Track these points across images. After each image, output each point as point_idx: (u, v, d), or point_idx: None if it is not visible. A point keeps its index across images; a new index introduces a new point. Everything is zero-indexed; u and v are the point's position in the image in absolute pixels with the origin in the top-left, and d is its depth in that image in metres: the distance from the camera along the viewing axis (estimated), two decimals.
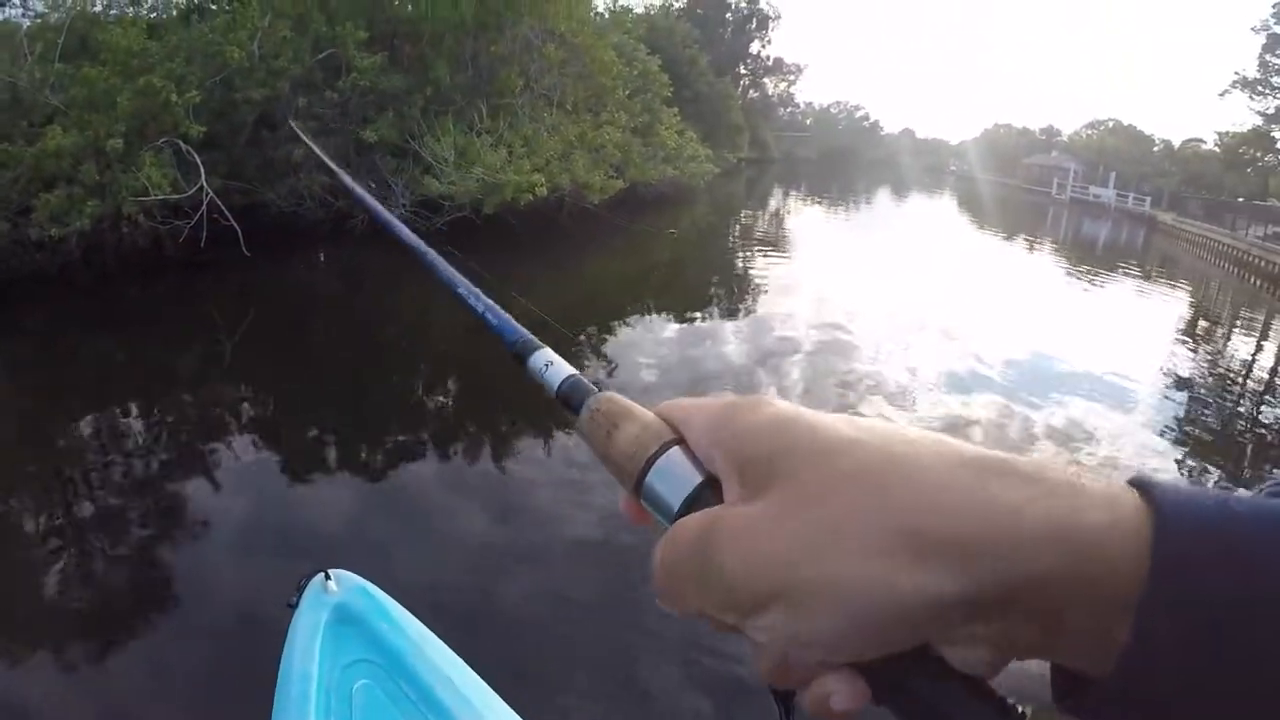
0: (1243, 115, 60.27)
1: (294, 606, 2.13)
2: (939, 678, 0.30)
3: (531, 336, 0.47)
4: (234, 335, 7.87)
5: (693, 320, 9.43)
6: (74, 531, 4.29)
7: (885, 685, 0.30)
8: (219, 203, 9.64)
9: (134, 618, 3.54)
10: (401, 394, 6.74)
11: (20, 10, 10.80)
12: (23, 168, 8.51)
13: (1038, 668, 0.31)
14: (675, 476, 0.35)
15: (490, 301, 0.52)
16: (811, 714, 0.31)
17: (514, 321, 0.50)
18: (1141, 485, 0.28)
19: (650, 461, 0.36)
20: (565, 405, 0.43)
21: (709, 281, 12.51)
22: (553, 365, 0.45)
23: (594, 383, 0.43)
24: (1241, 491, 0.29)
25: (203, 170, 9.64)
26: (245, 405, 6.33)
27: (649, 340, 8.41)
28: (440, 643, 2.08)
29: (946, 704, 0.29)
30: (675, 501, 0.35)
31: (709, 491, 0.34)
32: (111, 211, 8.90)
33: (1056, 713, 0.30)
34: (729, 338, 8.70)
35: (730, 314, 10.00)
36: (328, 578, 2.18)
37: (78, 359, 7.17)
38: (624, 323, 8.97)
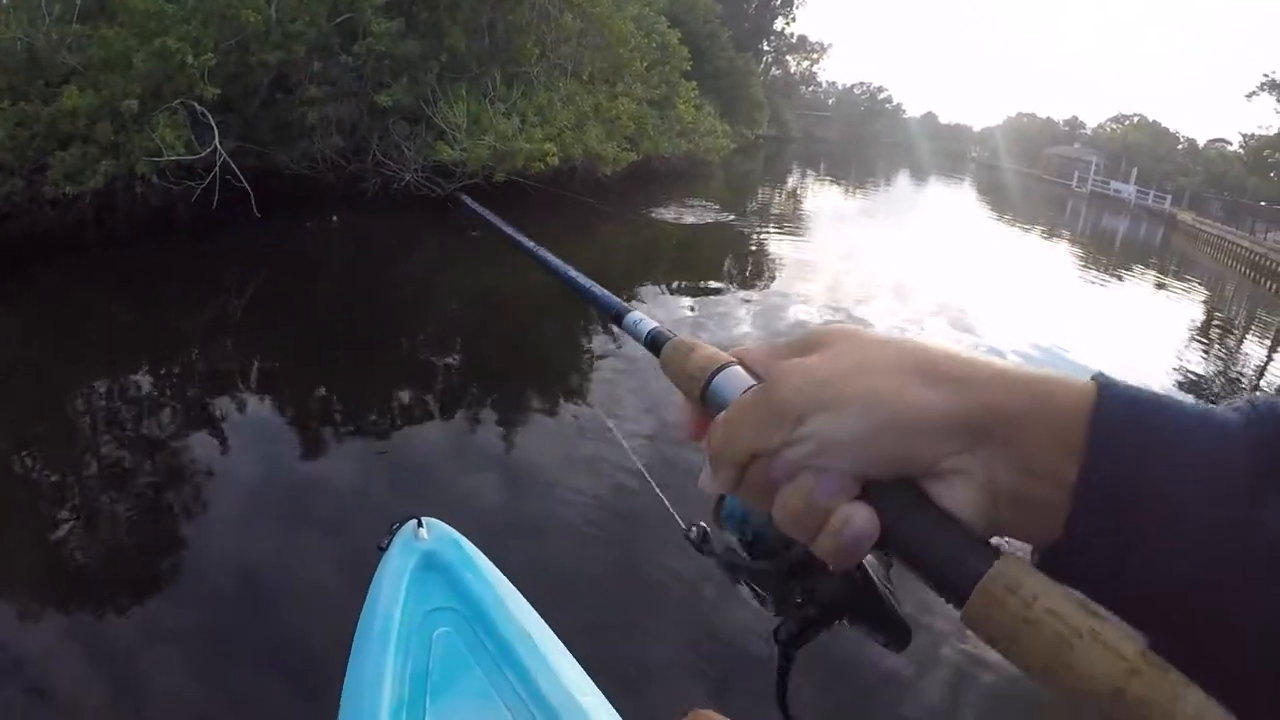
0: (1270, 118, 58.92)
1: (384, 550, 2.17)
2: (933, 511, 0.36)
3: (624, 303, 0.59)
4: (243, 295, 7.94)
5: (704, 296, 9.40)
6: (148, 481, 4.44)
7: (889, 519, 0.36)
8: (231, 164, 9.69)
9: (237, 554, 3.75)
10: (441, 350, 6.86)
11: None
12: (39, 126, 8.55)
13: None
14: (735, 380, 0.43)
15: (589, 280, 0.66)
16: (830, 550, 0.37)
17: (609, 293, 0.62)
18: (1097, 376, 0.36)
19: (716, 372, 0.44)
20: (651, 347, 0.53)
21: (721, 259, 12.41)
22: (641, 321, 0.56)
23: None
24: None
25: (216, 132, 9.68)
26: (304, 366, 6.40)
27: (659, 312, 8.36)
28: (523, 599, 2.09)
29: (937, 534, 0.36)
30: (732, 399, 0.42)
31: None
32: (125, 171, 8.96)
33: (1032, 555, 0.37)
34: (741, 316, 8.68)
35: (743, 292, 9.92)
36: (420, 525, 2.21)
37: (91, 316, 7.25)
38: (634, 297, 8.95)
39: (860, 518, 0.36)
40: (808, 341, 0.41)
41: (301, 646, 3.12)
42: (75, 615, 3.34)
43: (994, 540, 0.36)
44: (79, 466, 4.62)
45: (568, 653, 1.98)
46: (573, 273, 0.69)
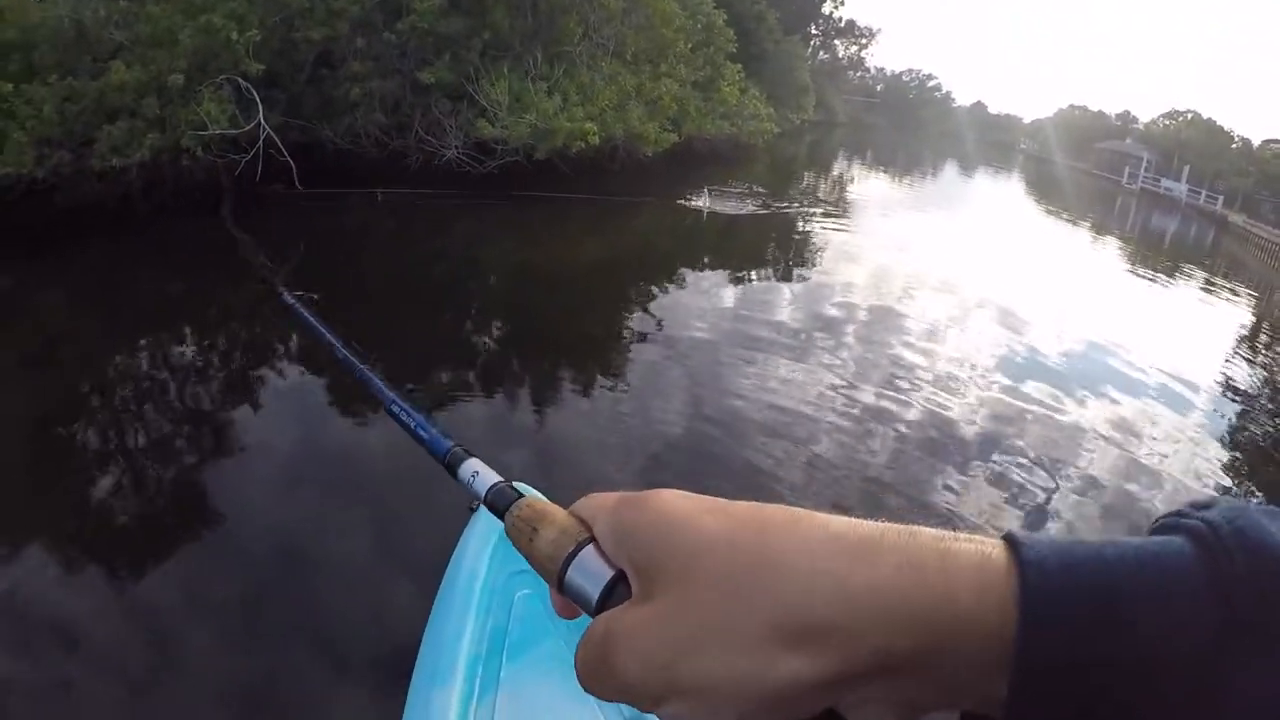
0: None
1: (474, 510, 2.18)
2: None
3: (459, 448, 0.51)
4: (287, 265, 8.00)
5: (745, 281, 9.30)
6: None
7: None
8: (275, 138, 9.78)
9: (338, 511, 3.94)
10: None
11: None
12: (86, 101, 8.68)
13: None
14: (590, 573, 0.38)
15: (421, 416, 0.57)
16: None
17: (442, 434, 0.54)
18: (1013, 541, 0.29)
19: (568, 561, 0.39)
20: (492, 510, 0.47)
21: (763, 245, 12.28)
22: (479, 475, 0.49)
23: (514, 483, 0.48)
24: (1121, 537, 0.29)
25: (260, 107, 9.76)
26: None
27: (700, 298, 8.32)
28: None
29: None
30: (593, 596, 0.37)
31: (622, 584, 0.36)
32: (171, 144, 9.07)
33: None
34: (783, 304, 8.56)
35: (785, 280, 9.77)
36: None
37: (137, 285, 7.34)
38: (676, 281, 8.89)
39: None
40: (650, 559, 0.34)
41: (392, 591, 3.28)
42: (148, 576, 3.43)
43: None
44: (120, 430, 4.72)
45: None
46: (399, 404, 0.59)
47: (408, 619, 2.18)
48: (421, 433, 0.55)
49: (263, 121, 9.71)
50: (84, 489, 4.03)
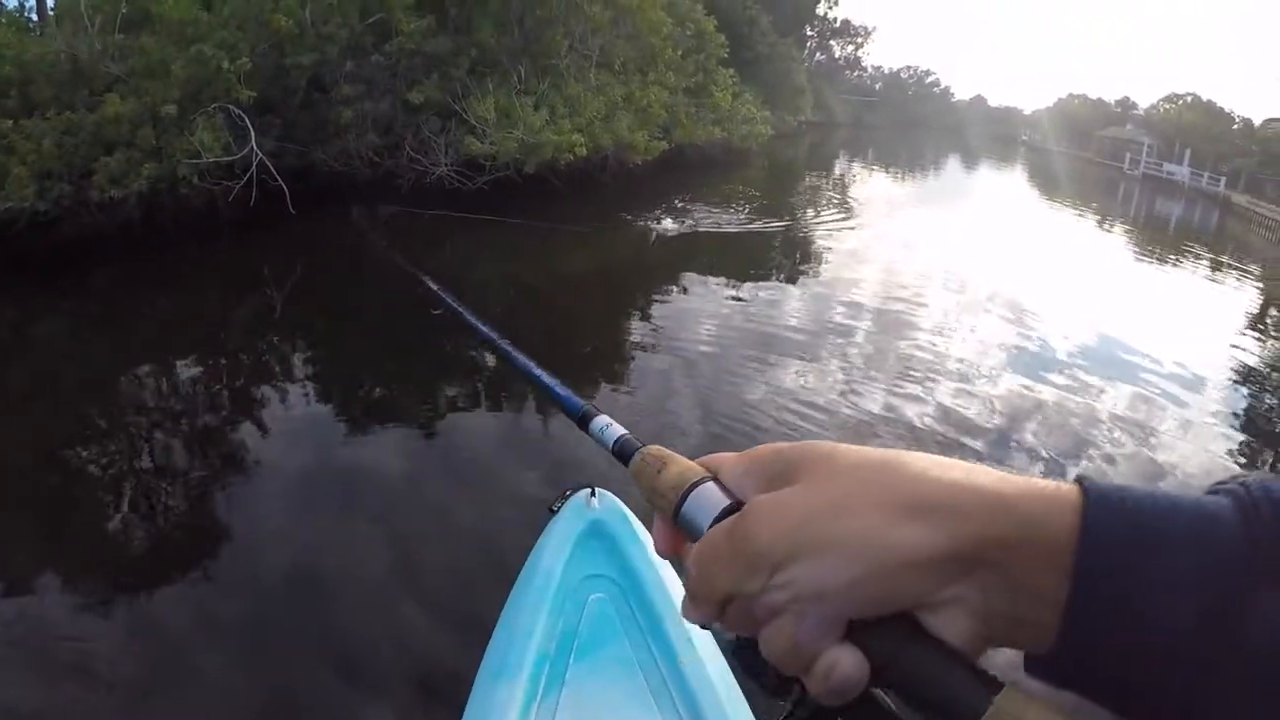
0: None
1: (554, 512, 2.23)
2: (926, 647, 0.35)
3: (591, 405, 0.58)
4: (282, 288, 8.19)
5: (752, 284, 9.31)
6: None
7: (880, 658, 0.35)
8: (268, 163, 9.99)
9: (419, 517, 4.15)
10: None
11: None
12: (84, 134, 8.92)
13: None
14: (709, 501, 0.42)
15: (556, 380, 0.65)
16: (818, 693, 0.36)
17: (574, 394, 0.61)
18: (1081, 479, 0.35)
19: (689, 490, 0.43)
20: (619, 457, 0.52)
21: (765, 249, 12.16)
22: (609, 427, 0.55)
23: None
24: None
25: (252, 133, 9.98)
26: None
27: (709, 304, 8.34)
28: (677, 580, 2.08)
29: (934, 671, 0.34)
30: (706, 522, 0.41)
31: (735, 513, 0.40)
32: (167, 173, 9.29)
33: (1029, 674, 0.36)
34: (791, 306, 8.56)
35: (790, 283, 9.74)
36: (593, 494, 2.25)
37: (139, 311, 7.55)
38: (679, 287, 8.94)
39: (845, 663, 0.35)
40: (784, 463, 0.40)
41: (467, 588, 3.45)
42: (166, 598, 3.50)
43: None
44: (130, 455, 4.84)
45: (714, 641, 1.95)
46: (535, 369, 0.68)
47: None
48: (561, 392, 0.62)
49: (255, 148, 9.92)
50: (99, 512, 4.14)
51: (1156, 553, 0.32)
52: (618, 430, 0.54)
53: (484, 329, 0.84)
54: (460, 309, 0.96)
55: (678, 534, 0.44)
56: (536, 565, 2.06)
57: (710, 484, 0.43)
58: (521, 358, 0.71)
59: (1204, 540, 0.32)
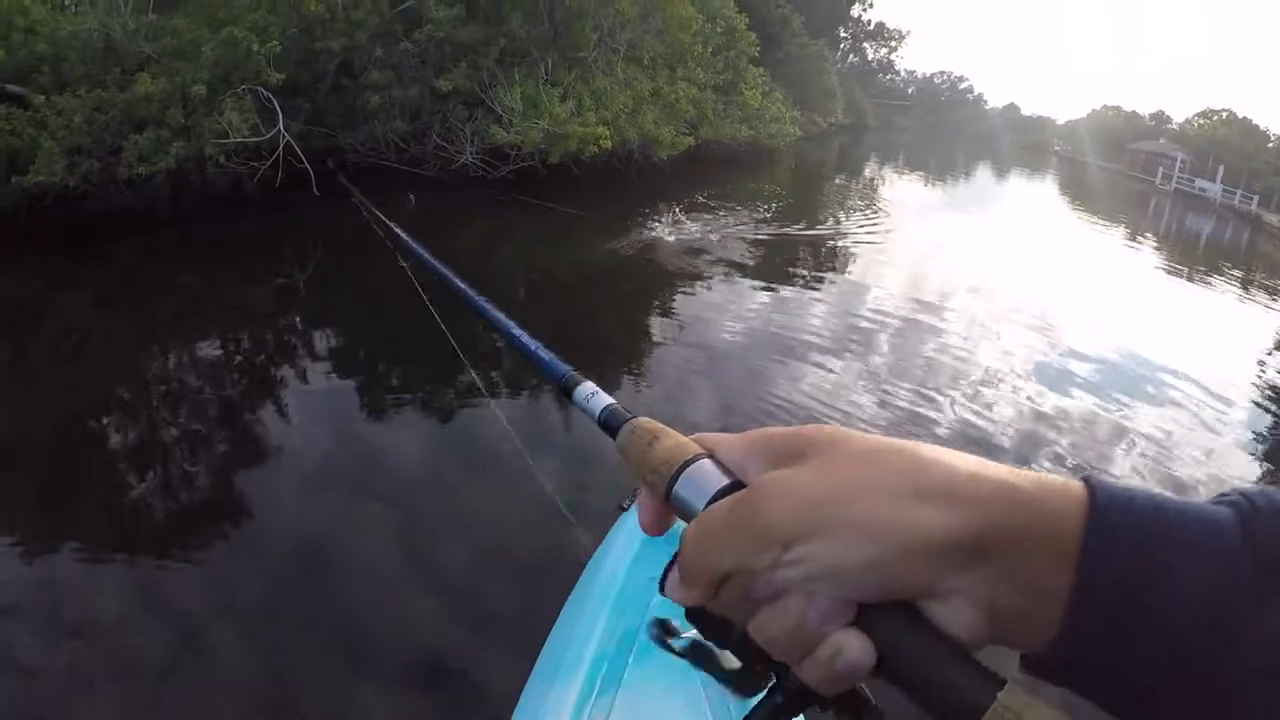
0: None
1: (624, 510, 2.23)
2: (932, 638, 0.34)
3: (575, 372, 0.54)
4: (305, 269, 8.22)
5: (776, 282, 9.20)
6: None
7: (885, 646, 0.35)
8: (295, 146, 10.07)
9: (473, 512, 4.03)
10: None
11: None
12: (114, 111, 9.01)
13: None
14: (706, 479, 0.40)
15: (538, 343, 0.61)
16: (818, 678, 0.36)
17: (559, 359, 0.57)
18: (1089, 478, 0.35)
19: (682, 468, 0.41)
20: (605, 428, 0.49)
21: (794, 246, 12.02)
22: (595, 395, 0.51)
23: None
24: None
25: (280, 115, 10.05)
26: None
27: (731, 300, 8.29)
28: None
29: (939, 662, 0.34)
30: (702, 501, 0.39)
31: (737, 492, 0.39)
32: (195, 153, 9.38)
33: (1024, 672, 0.36)
34: (814, 307, 8.48)
35: (814, 286, 9.55)
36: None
37: (164, 288, 7.57)
38: (701, 282, 8.90)
39: (854, 648, 0.35)
40: (792, 445, 0.39)
41: (532, 577, 3.39)
42: (193, 573, 3.49)
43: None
44: (149, 428, 4.86)
45: None
46: (515, 329, 0.64)
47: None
48: (542, 355, 0.58)
49: (282, 130, 10.00)
50: (117, 482, 4.17)
51: (1161, 554, 0.32)
52: (604, 399, 0.50)
53: (458, 281, 0.80)
54: (429, 258, 0.93)
55: (668, 513, 0.43)
56: (601, 563, 2.05)
57: (707, 461, 0.41)
58: (501, 316, 0.68)
59: (1208, 544, 0.32)
